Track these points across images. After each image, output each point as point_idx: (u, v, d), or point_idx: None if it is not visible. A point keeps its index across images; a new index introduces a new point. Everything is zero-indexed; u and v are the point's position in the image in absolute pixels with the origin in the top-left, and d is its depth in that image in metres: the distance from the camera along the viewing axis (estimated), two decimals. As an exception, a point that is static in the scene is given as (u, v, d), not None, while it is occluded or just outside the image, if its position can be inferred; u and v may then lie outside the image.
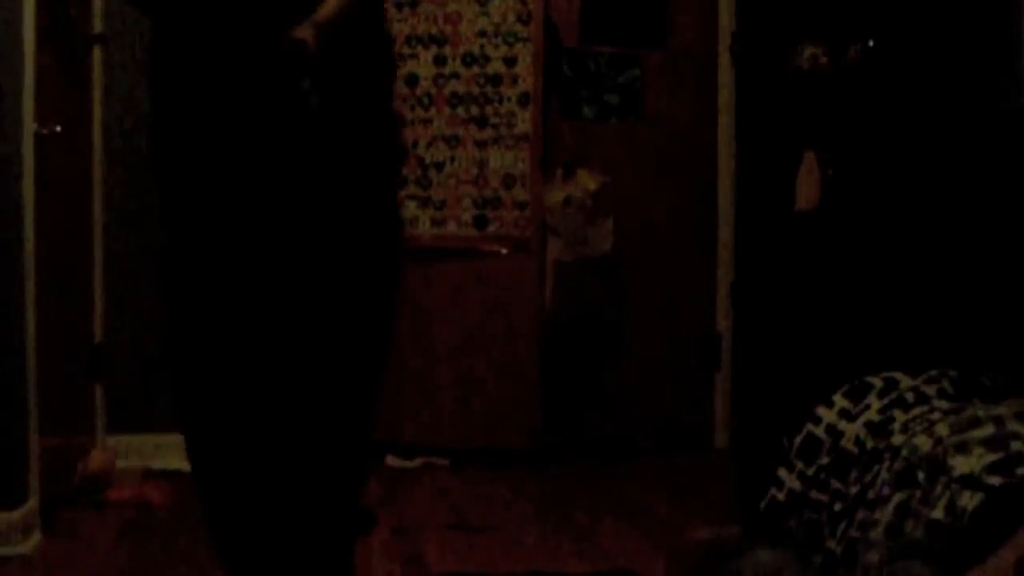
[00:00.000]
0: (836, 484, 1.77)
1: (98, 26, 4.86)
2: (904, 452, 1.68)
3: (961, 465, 1.60)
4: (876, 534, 1.63)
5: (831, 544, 1.70)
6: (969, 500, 1.55)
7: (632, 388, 5.34)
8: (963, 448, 1.62)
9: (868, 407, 1.79)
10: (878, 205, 2.50)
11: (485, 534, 4.10)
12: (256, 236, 2.15)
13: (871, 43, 2.78)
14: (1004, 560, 1.55)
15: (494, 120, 5.12)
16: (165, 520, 4.23)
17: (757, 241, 4.77)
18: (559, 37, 5.25)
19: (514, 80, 5.10)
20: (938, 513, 1.57)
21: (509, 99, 5.11)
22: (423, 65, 5.09)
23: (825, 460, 1.81)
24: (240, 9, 2.13)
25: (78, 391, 4.73)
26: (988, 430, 1.64)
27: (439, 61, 5.10)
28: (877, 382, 1.85)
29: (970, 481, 1.58)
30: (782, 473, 1.84)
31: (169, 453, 4.94)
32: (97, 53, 4.87)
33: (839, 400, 1.83)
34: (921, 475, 1.66)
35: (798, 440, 1.89)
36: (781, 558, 1.73)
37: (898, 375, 1.82)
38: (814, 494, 1.81)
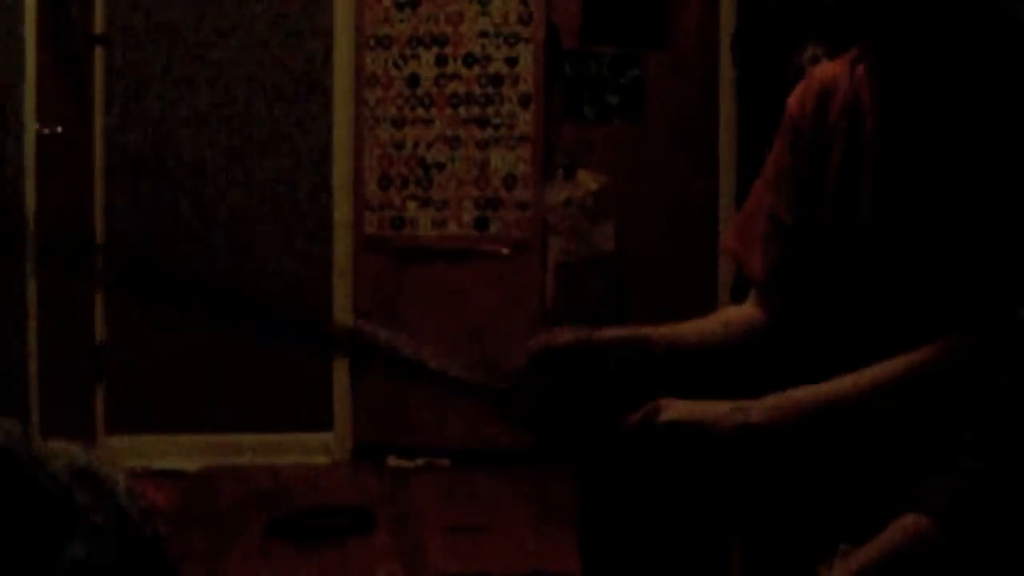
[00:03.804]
0: None
1: (99, 26, 4.86)
2: None
3: None
4: None
5: None
6: None
7: (633, 388, 5.33)
8: None
9: None
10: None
11: (487, 534, 4.10)
12: None
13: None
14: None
15: (495, 120, 5.12)
16: (165, 521, 4.23)
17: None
18: (560, 38, 5.24)
19: (515, 81, 5.10)
20: None
21: (510, 100, 5.11)
22: (424, 65, 5.09)
23: None
24: None
25: (79, 392, 4.73)
26: None
27: (440, 61, 5.10)
28: None
29: None
30: None
31: (170, 454, 4.94)
32: (98, 53, 4.87)
33: None
34: None
35: None
36: None
37: None
38: None
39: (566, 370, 1.90)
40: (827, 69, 1.97)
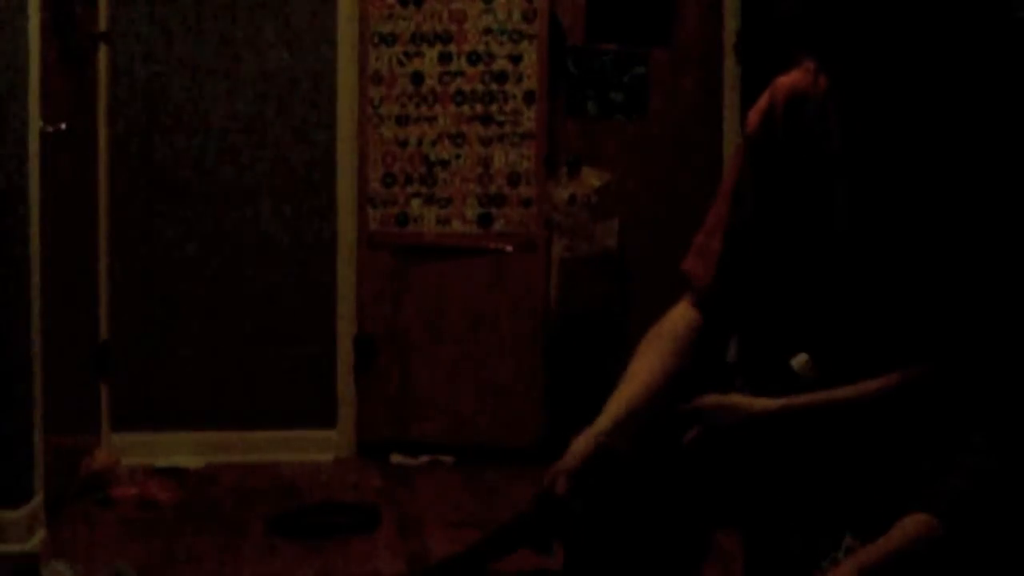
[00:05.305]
0: None
1: (103, 24, 4.86)
2: None
3: None
4: None
5: None
6: None
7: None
8: None
9: None
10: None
11: (490, 532, 4.10)
12: None
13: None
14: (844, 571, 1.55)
15: (499, 118, 5.11)
16: (169, 518, 4.23)
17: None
18: (564, 35, 5.24)
19: (519, 78, 5.10)
20: None
21: (514, 97, 5.11)
22: (428, 63, 5.09)
23: None
24: None
25: (83, 389, 4.73)
26: None
27: (444, 59, 5.09)
28: None
29: None
30: None
31: (173, 451, 4.95)
32: (103, 51, 4.87)
33: None
34: None
35: None
36: None
37: None
38: None
39: (595, 484, 1.95)
40: (791, 79, 1.96)
